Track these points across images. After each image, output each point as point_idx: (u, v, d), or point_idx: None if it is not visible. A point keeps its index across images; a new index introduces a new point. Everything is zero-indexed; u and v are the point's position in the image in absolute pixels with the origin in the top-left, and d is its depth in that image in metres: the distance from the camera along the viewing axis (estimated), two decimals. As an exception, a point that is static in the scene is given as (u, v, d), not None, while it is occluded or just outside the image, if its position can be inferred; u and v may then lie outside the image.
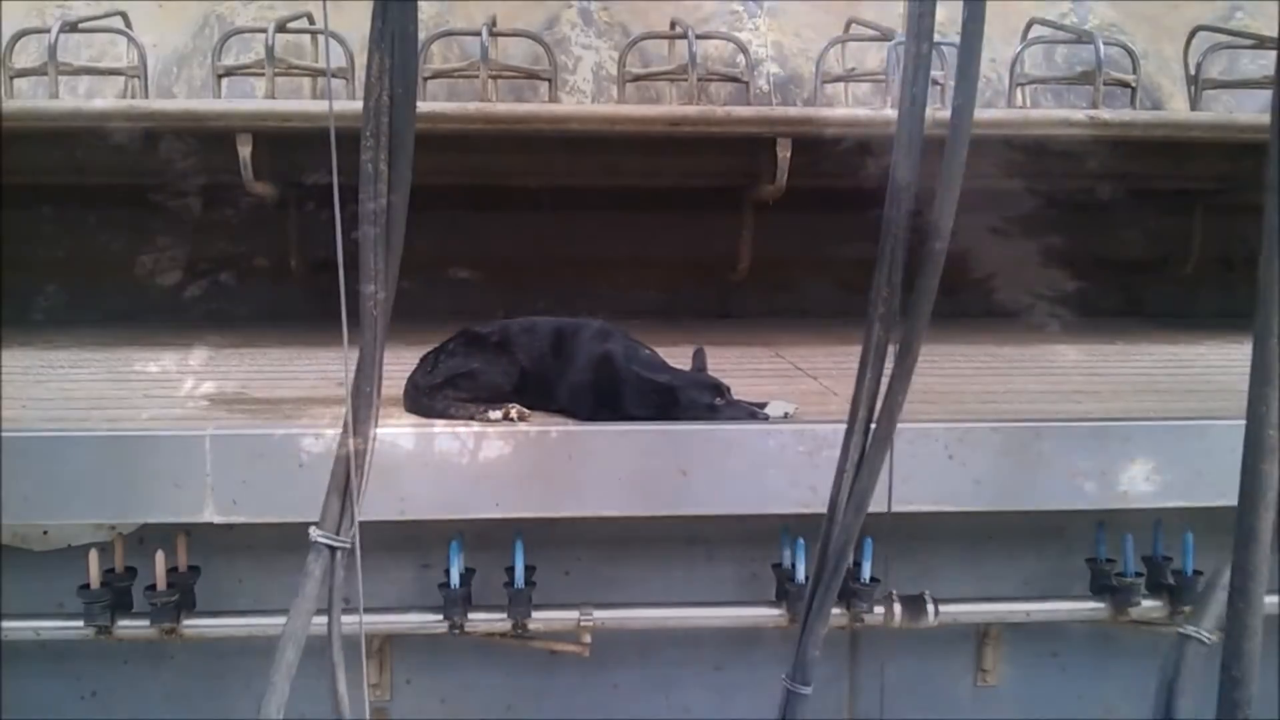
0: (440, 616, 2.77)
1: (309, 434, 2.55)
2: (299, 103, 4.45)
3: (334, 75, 4.65)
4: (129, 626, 2.72)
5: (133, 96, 4.58)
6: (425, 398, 2.85)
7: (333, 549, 1.91)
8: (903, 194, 1.87)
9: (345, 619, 2.86)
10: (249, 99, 4.62)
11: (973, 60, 1.81)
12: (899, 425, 2.66)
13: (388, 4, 1.69)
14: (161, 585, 2.69)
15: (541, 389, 2.94)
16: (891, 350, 1.99)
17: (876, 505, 2.71)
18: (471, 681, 3.10)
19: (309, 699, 2.08)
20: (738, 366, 3.79)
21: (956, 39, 1.93)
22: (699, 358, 2.97)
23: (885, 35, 4.76)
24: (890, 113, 4.26)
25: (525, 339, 3.01)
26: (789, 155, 4.30)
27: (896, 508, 2.70)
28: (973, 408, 3.14)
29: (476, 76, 4.37)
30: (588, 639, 2.86)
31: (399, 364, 3.32)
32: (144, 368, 3.70)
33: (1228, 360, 3.95)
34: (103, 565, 2.69)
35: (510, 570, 2.78)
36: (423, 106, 3.98)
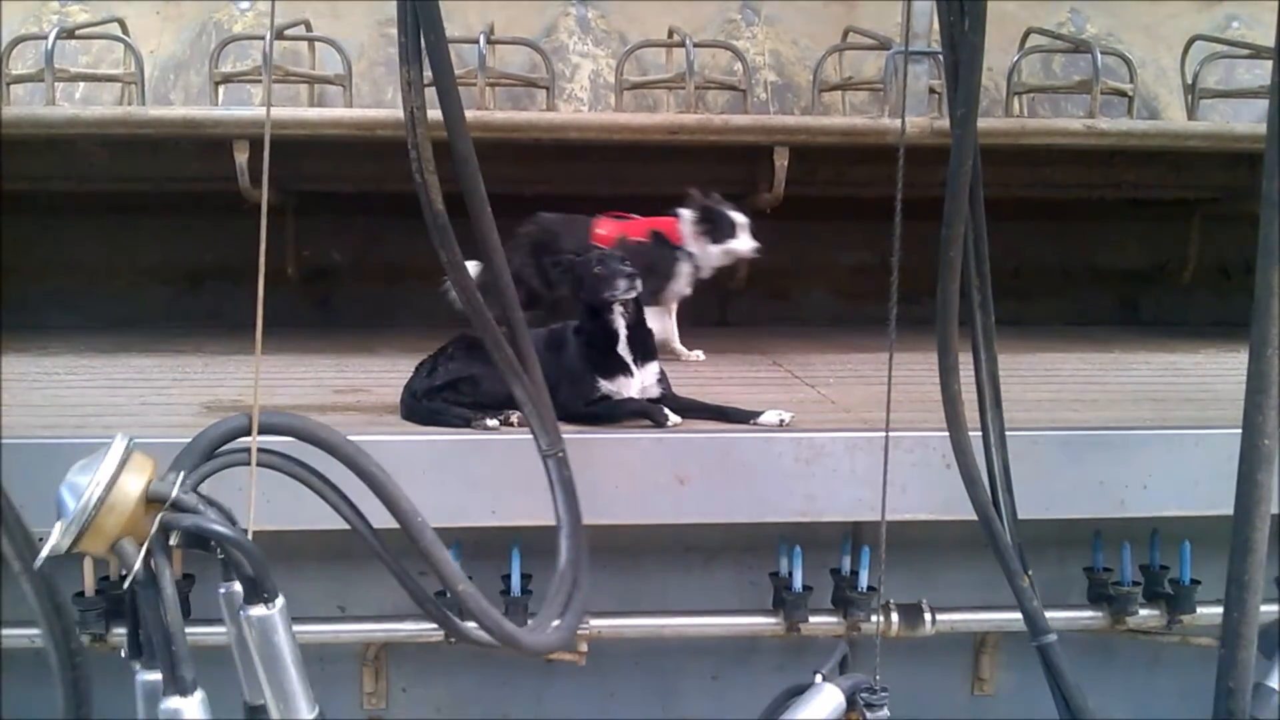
0: (436, 625, 2.75)
1: (306, 442, 2.53)
2: (297, 110, 4.44)
3: (331, 82, 4.66)
4: (124, 635, 2.71)
5: (130, 103, 4.57)
6: (423, 404, 2.84)
7: None
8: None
9: (343, 627, 2.89)
10: (246, 106, 4.62)
11: (974, 70, 1.82)
12: (898, 434, 2.68)
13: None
14: (157, 593, 2.67)
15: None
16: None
17: (871, 514, 2.72)
18: (467, 690, 3.09)
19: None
20: (735, 374, 3.79)
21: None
22: None
23: (883, 44, 4.76)
24: (888, 121, 4.30)
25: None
26: (786, 164, 4.31)
27: (895, 516, 2.69)
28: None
29: (474, 84, 4.36)
30: (584, 647, 2.85)
31: (395, 373, 3.32)
32: (140, 374, 3.70)
33: (1225, 369, 3.95)
34: (98, 573, 2.68)
35: (507, 578, 2.77)
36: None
